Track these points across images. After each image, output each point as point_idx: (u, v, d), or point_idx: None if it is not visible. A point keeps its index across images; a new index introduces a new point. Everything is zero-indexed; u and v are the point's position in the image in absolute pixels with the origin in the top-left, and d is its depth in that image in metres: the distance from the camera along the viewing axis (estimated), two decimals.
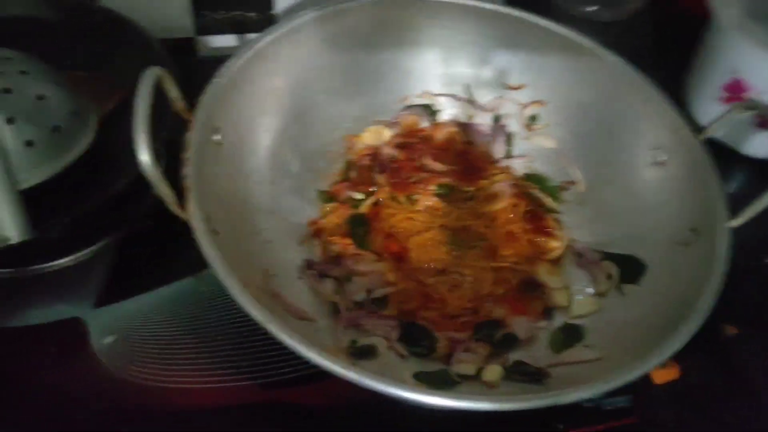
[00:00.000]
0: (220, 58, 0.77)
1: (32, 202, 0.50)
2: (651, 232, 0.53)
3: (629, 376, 0.40)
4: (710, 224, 0.48)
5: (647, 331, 0.47)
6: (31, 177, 0.52)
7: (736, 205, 0.50)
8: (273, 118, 0.57)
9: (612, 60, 0.57)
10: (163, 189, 0.43)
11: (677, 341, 0.42)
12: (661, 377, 0.53)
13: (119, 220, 0.60)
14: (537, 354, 0.50)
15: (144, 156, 0.41)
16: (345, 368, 0.38)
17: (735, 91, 0.64)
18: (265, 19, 0.76)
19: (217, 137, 0.50)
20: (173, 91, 0.48)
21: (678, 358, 0.43)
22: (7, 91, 0.51)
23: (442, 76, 0.64)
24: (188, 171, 0.45)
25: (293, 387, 0.51)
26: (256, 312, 0.40)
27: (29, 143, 0.52)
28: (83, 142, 0.56)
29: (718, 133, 0.54)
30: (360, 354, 0.49)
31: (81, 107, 0.57)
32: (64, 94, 0.55)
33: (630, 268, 0.53)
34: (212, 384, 0.52)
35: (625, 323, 0.49)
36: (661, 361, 0.41)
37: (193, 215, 0.43)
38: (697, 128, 0.54)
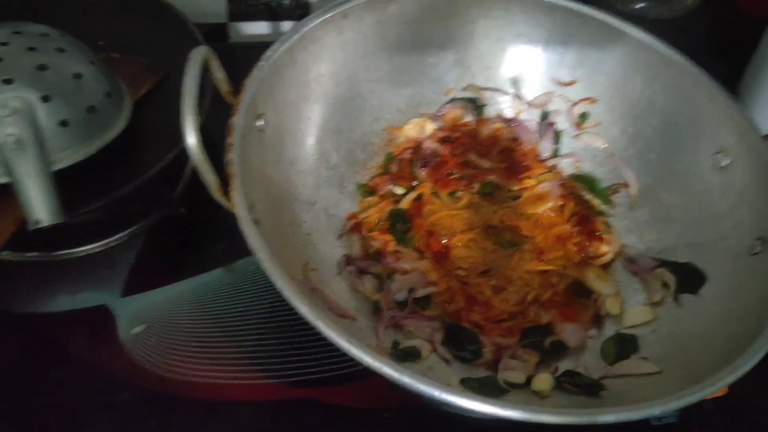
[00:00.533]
0: (253, 45, 0.76)
1: (63, 185, 0.49)
2: (712, 240, 0.50)
3: (702, 392, 0.38)
4: None
5: (709, 345, 0.44)
6: (65, 158, 0.50)
7: None
8: (316, 105, 0.54)
9: (673, 57, 0.54)
10: (207, 175, 0.41)
11: (749, 359, 0.39)
12: None
13: (150, 207, 0.58)
14: (590, 365, 0.48)
15: (191, 139, 0.39)
16: (398, 371, 0.36)
17: None
18: (300, 7, 0.74)
19: (260, 123, 0.48)
20: (219, 72, 0.46)
21: None
22: (43, 68, 0.49)
23: (489, 69, 0.61)
24: (232, 157, 0.43)
25: (323, 386, 0.49)
26: (304, 308, 0.38)
27: (64, 123, 0.50)
28: (118, 124, 0.54)
29: None
30: (403, 356, 0.46)
31: (116, 89, 0.55)
32: (100, 74, 0.53)
33: (688, 278, 0.50)
34: (239, 380, 0.50)
35: (684, 335, 0.47)
36: (733, 380, 0.38)
37: (238, 204, 0.41)
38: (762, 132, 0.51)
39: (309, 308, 0.38)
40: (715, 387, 0.38)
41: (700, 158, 0.53)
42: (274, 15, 0.75)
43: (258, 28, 0.76)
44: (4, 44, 0.49)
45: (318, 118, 0.55)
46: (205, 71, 0.45)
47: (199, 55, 0.42)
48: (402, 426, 0.48)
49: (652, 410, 0.36)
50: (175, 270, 0.56)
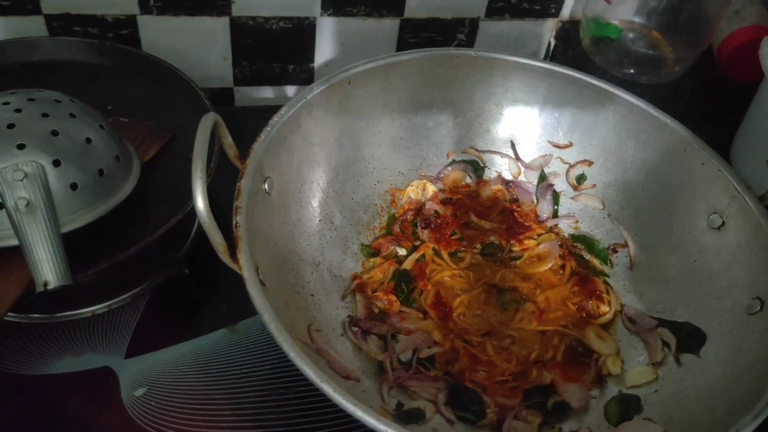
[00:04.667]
0: (258, 109, 0.78)
1: (72, 246, 0.49)
2: (710, 300, 0.51)
3: None
4: None
5: (713, 406, 0.44)
6: (74, 220, 0.51)
7: None
8: (320, 168, 0.56)
9: (665, 121, 0.56)
10: (216, 237, 0.42)
11: (752, 420, 0.39)
12: None
13: (155, 268, 0.58)
14: (592, 425, 0.48)
15: (201, 202, 0.40)
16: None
17: None
18: (304, 72, 0.77)
19: (266, 186, 0.49)
20: (227, 138, 0.47)
21: None
22: (55, 133, 0.51)
23: (489, 132, 0.63)
24: (240, 220, 0.44)
25: None
26: (309, 370, 0.38)
27: (74, 186, 0.51)
28: (126, 187, 0.55)
29: None
30: (407, 418, 0.46)
31: (125, 152, 0.56)
32: (109, 138, 0.55)
33: (688, 337, 0.51)
34: None
35: (687, 396, 0.47)
36: None
37: (245, 266, 0.42)
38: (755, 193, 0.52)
39: (314, 371, 0.38)
40: None
41: (694, 219, 0.54)
42: (279, 80, 0.77)
43: (263, 92, 0.78)
44: (18, 111, 0.50)
45: (322, 181, 0.56)
46: (212, 136, 0.46)
47: (208, 121, 0.43)
48: None
49: None
50: (179, 330, 0.56)
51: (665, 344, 0.51)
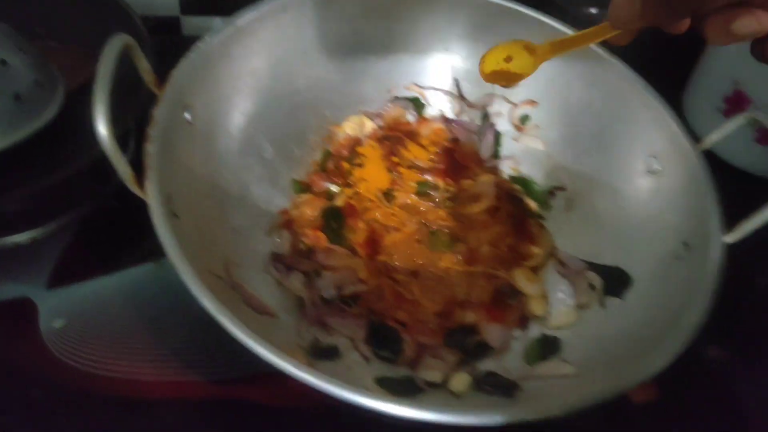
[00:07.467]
0: None
1: None
2: (640, 244, 0.50)
3: (605, 394, 0.37)
4: (703, 239, 0.45)
5: (629, 348, 0.44)
6: None
7: (731, 221, 0.47)
8: (249, 99, 0.54)
9: (612, 62, 0.55)
10: (119, 164, 0.40)
11: (660, 360, 0.39)
12: (639, 396, 0.50)
13: (80, 198, 0.57)
14: (509, 365, 0.48)
15: (101, 127, 0.38)
16: (299, 368, 0.35)
17: (736, 104, 0.61)
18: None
19: (188, 115, 0.47)
20: (143, 63, 0.45)
21: (658, 378, 0.40)
22: None
23: (432, 69, 0.61)
24: (150, 148, 0.42)
25: (248, 385, 0.48)
26: (208, 302, 0.37)
27: None
28: (47, 113, 0.53)
29: (716, 146, 0.51)
30: (321, 354, 0.46)
31: (47, 78, 0.54)
32: (29, 62, 0.52)
33: (615, 281, 0.50)
34: (162, 377, 0.49)
35: (606, 338, 0.47)
36: (641, 380, 0.38)
37: (152, 195, 0.40)
38: (695, 139, 0.51)
39: (213, 303, 0.37)
40: (618, 389, 0.37)
41: (633, 162, 0.53)
42: (229, 9, 0.74)
43: (212, 22, 0.75)
44: None
45: (251, 112, 0.54)
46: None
47: (116, 43, 0.41)
48: (328, 424, 0.48)
49: (551, 411, 0.36)
50: (105, 263, 0.55)
51: (591, 287, 0.51)
